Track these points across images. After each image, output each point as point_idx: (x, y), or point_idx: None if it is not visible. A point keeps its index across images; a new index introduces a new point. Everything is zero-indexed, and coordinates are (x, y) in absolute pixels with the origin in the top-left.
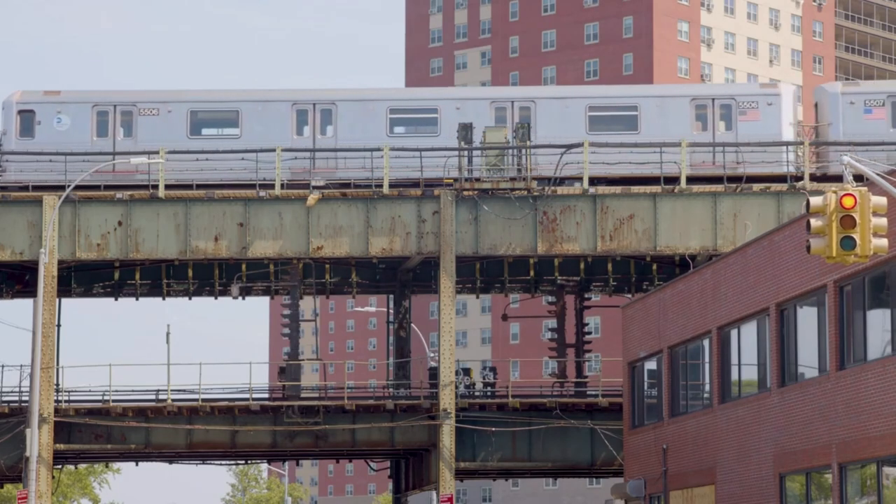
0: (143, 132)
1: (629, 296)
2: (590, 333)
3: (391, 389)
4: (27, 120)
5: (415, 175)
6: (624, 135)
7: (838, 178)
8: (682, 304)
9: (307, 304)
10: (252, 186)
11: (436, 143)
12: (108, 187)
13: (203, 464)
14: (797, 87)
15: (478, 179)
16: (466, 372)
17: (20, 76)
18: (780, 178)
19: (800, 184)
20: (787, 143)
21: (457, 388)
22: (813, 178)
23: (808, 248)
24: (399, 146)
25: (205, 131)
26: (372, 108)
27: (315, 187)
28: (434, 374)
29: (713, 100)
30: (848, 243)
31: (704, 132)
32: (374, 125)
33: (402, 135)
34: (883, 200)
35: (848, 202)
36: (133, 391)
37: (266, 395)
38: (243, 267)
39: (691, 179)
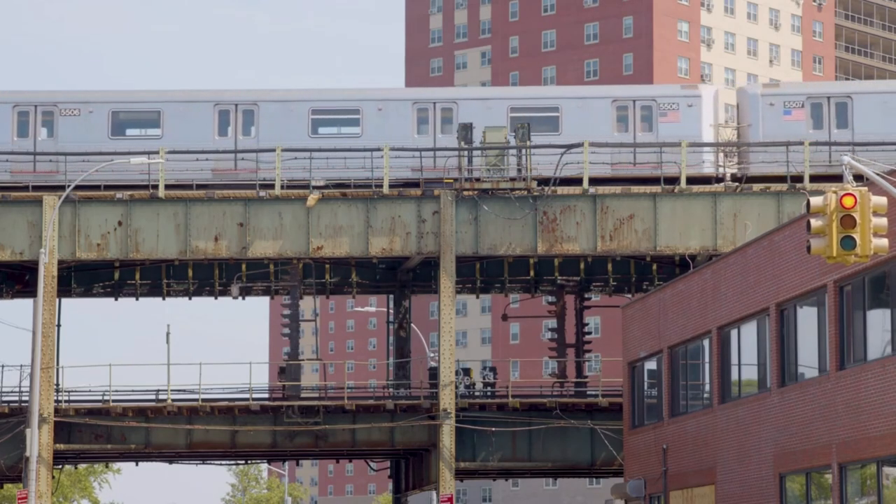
0: (65, 132)
1: (629, 296)
2: (590, 333)
3: (391, 389)
4: None
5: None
6: (546, 136)
7: (761, 179)
8: (682, 304)
9: (307, 304)
10: (252, 187)
11: (357, 143)
12: (35, 188)
13: (203, 464)
14: (718, 88)
15: (478, 179)
16: (466, 372)
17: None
18: (705, 180)
19: (799, 185)
20: (788, 143)
21: (457, 388)
22: (734, 178)
23: (809, 248)
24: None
25: (128, 132)
26: (294, 109)
27: (315, 187)
28: (434, 374)
29: (634, 101)
30: (848, 243)
31: (625, 133)
32: (296, 125)
33: (325, 135)
34: (883, 200)
35: (848, 202)
36: (133, 391)
37: (266, 395)
38: (243, 267)
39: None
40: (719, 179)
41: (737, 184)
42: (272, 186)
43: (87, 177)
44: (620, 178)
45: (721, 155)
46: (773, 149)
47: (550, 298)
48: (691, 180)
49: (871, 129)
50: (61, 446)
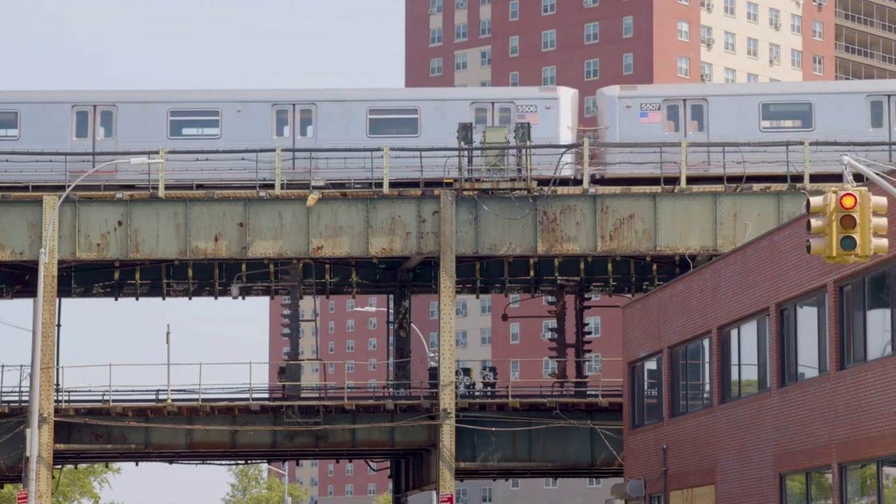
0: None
1: (629, 296)
2: (590, 333)
3: (391, 389)
4: None
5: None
6: (404, 138)
7: (620, 181)
8: (682, 304)
9: (307, 304)
10: (252, 187)
11: (216, 145)
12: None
13: (203, 464)
14: (576, 91)
15: (478, 179)
16: (466, 372)
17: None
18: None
19: (800, 185)
20: (788, 143)
21: (457, 388)
22: (594, 180)
23: (809, 248)
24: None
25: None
26: (152, 111)
27: (315, 187)
28: (434, 374)
29: (493, 103)
30: (848, 243)
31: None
32: (155, 127)
33: (187, 136)
34: (883, 200)
35: (848, 202)
36: (133, 391)
37: (266, 395)
38: (243, 267)
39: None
40: (671, 180)
41: (737, 184)
42: (272, 186)
43: (86, 177)
44: (622, 179)
45: (577, 156)
46: (632, 150)
47: (550, 298)
48: (546, 182)
49: (726, 131)
50: (61, 446)
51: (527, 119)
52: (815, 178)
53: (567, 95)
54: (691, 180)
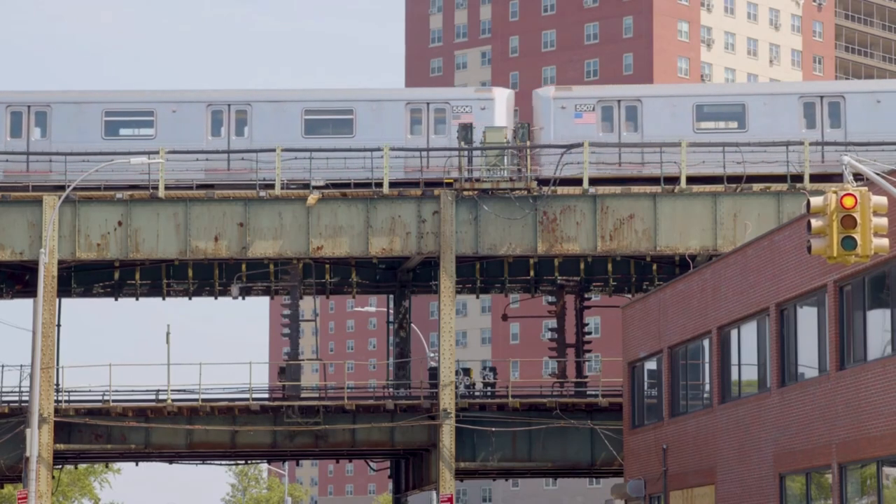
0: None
1: (629, 296)
2: (590, 333)
3: (391, 389)
4: None
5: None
6: (340, 139)
7: (565, 182)
8: (682, 304)
9: (307, 304)
10: (252, 187)
11: (150, 146)
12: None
13: (203, 464)
14: (512, 91)
15: (478, 179)
16: (466, 372)
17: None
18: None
19: (799, 185)
20: (789, 143)
21: (457, 388)
22: (542, 182)
23: (809, 248)
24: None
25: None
26: (86, 111)
27: (315, 187)
28: (434, 374)
29: (428, 104)
30: (849, 243)
31: (419, 136)
32: (89, 128)
33: (123, 137)
34: (883, 200)
35: (848, 202)
36: (133, 391)
37: (266, 395)
38: (243, 267)
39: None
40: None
41: (736, 184)
42: (272, 186)
43: (87, 177)
44: (622, 178)
45: (511, 159)
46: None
47: (550, 298)
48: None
49: (659, 132)
50: (61, 446)
51: (462, 119)
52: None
53: (502, 96)
54: (630, 181)
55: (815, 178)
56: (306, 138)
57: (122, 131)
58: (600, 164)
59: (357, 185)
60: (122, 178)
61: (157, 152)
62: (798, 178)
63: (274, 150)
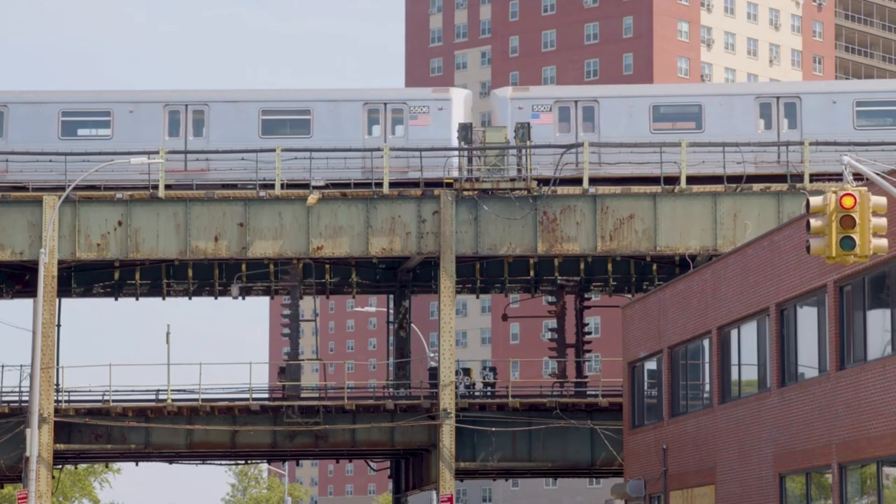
0: None
1: (629, 296)
2: (590, 333)
3: (391, 389)
4: None
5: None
6: (297, 139)
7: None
8: (682, 304)
9: (307, 304)
10: (252, 186)
11: (107, 147)
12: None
13: (203, 464)
14: (469, 92)
15: (478, 179)
16: (466, 372)
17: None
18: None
19: (799, 185)
20: (789, 143)
21: (457, 388)
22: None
23: (808, 248)
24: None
25: None
26: (43, 111)
27: (315, 187)
28: (434, 374)
29: (385, 104)
30: (848, 243)
31: (377, 136)
32: (46, 127)
33: (78, 137)
34: (883, 200)
35: (848, 202)
36: (133, 391)
37: (266, 395)
38: (243, 267)
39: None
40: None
41: (736, 184)
42: (272, 186)
43: (86, 177)
44: (621, 178)
45: (465, 160)
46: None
47: (550, 298)
48: (434, 184)
49: (615, 132)
50: (61, 446)
51: (419, 120)
52: (691, 179)
53: (460, 97)
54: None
55: (774, 178)
56: (263, 138)
57: (80, 131)
58: (565, 165)
59: (357, 185)
60: (122, 178)
61: (112, 153)
62: (738, 178)
63: (273, 150)
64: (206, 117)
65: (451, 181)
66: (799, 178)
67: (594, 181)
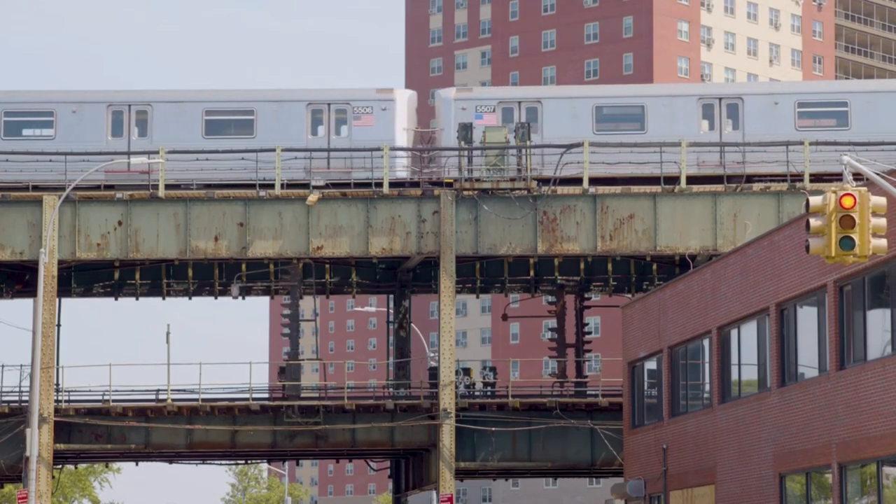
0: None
1: (629, 296)
2: (590, 333)
3: (391, 389)
4: None
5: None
6: (240, 139)
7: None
8: (682, 304)
9: (307, 304)
10: (252, 186)
11: (49, 147)
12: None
13: (203, 464)
14: (413, 92)
15: (478, 179)
16: (466, 372)
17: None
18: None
19: (799, 185)
20: (790, 143)
21: (457, 388)
22: (431, 183)
23: (808, 247)
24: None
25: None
26: None
27: (315, 187)
28: (434, 374)
29: (329, 104)
30: (847, 243)
31: (320, 137)
32: None
33: (23, 137)
34: (882, 200)
35: (847, 202)
36: (133, 391)
37: (266, 395)
38: (243, 267)
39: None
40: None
41: (736, 184)
42: (272, 186)
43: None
44: (620, 178)
45: (412, 159)
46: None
47: (550, 298)
48: (394, 184)
49: (558, 133)
50: (61, 446)
51: (363, 120)
52: (629, 180)
53: (403, 97)
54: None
55: (713, 179)
56: (207, 139)
57: (24, 132)
58: (512, 167)
59: (357, 185)
60: (19, 178)
61: (52, 153)
62: (675, 179)
63: (274, 150)
64: (149, 117)
65: (451, 181)
66: (800, 177)
67: (592, 181)
